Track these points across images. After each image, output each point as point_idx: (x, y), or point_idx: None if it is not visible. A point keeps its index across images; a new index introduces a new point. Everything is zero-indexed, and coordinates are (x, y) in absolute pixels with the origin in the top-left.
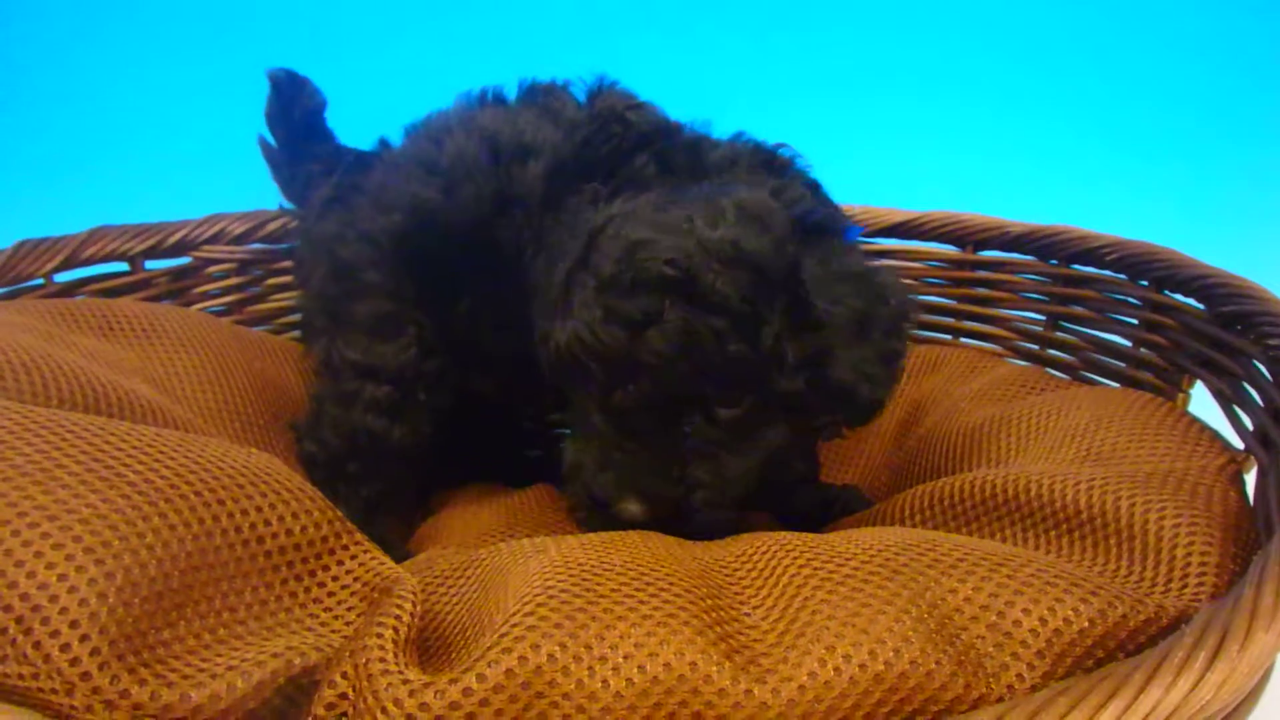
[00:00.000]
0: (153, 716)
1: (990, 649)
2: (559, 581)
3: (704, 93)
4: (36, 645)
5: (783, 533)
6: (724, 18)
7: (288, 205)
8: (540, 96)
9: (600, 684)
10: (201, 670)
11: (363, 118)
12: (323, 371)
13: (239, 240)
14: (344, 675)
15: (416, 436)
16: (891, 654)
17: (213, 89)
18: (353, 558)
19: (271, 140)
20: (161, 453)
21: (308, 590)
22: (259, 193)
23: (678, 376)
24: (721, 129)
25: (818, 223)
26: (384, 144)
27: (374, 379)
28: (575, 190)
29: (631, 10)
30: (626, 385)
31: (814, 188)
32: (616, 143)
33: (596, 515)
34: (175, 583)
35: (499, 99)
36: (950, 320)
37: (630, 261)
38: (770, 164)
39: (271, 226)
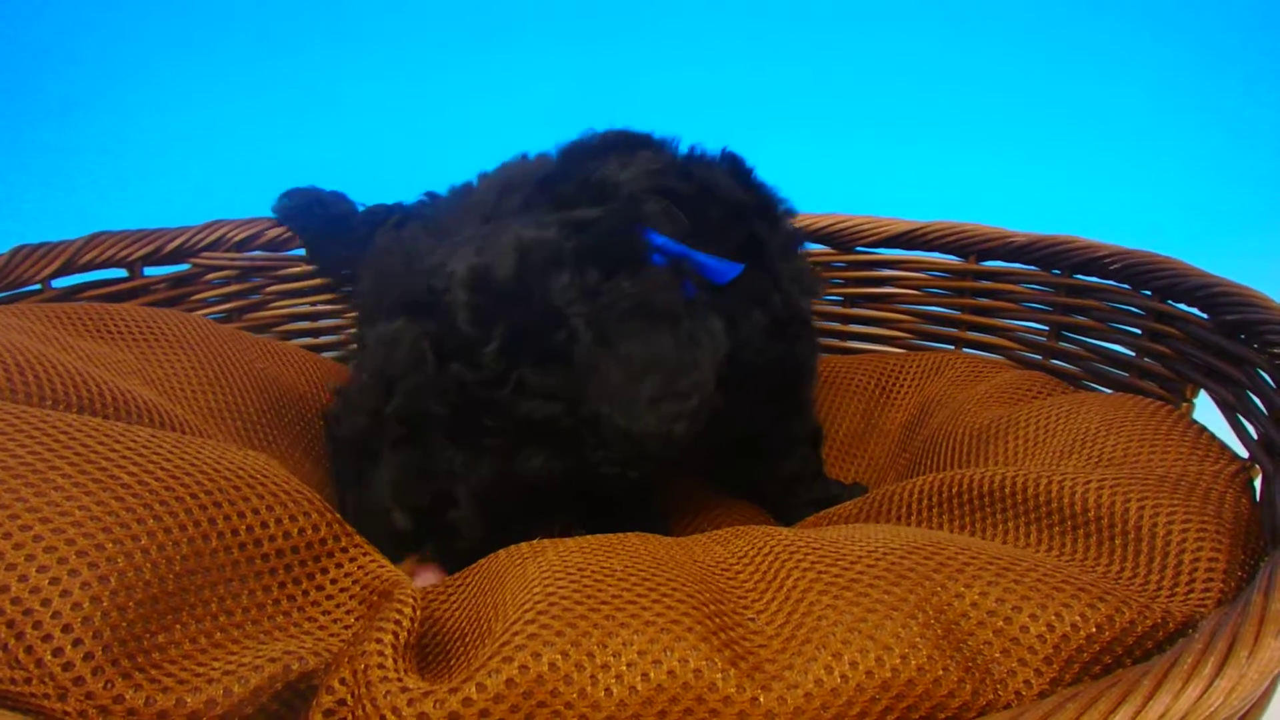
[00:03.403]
0: None
1: (997, 654)
2: (560, 588)
3: (707, 102)
4: (29, 649)
5: (783, 531)
6: (725, 28)
7: None
8: (566, 150)
9: (604, 692)
10: (197, 675)
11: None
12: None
13: (239, 247)
14: (342, 681)
15: None
16: (899, 660)
17: (213, 95)
18: (351, 560)
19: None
20: (157, 454)
21: (305, 594)
22: (259, 199)
23: (417, 394)
24: (717, 139)
25: (614, 257)
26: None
27: None
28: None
29: (636, 22)
30: (390, 402)
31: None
32: (579, 156)
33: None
34: (170, 586)
35: (543, 157)
36: (953, 330)
37: (398, 289)
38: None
39: (271, 234)
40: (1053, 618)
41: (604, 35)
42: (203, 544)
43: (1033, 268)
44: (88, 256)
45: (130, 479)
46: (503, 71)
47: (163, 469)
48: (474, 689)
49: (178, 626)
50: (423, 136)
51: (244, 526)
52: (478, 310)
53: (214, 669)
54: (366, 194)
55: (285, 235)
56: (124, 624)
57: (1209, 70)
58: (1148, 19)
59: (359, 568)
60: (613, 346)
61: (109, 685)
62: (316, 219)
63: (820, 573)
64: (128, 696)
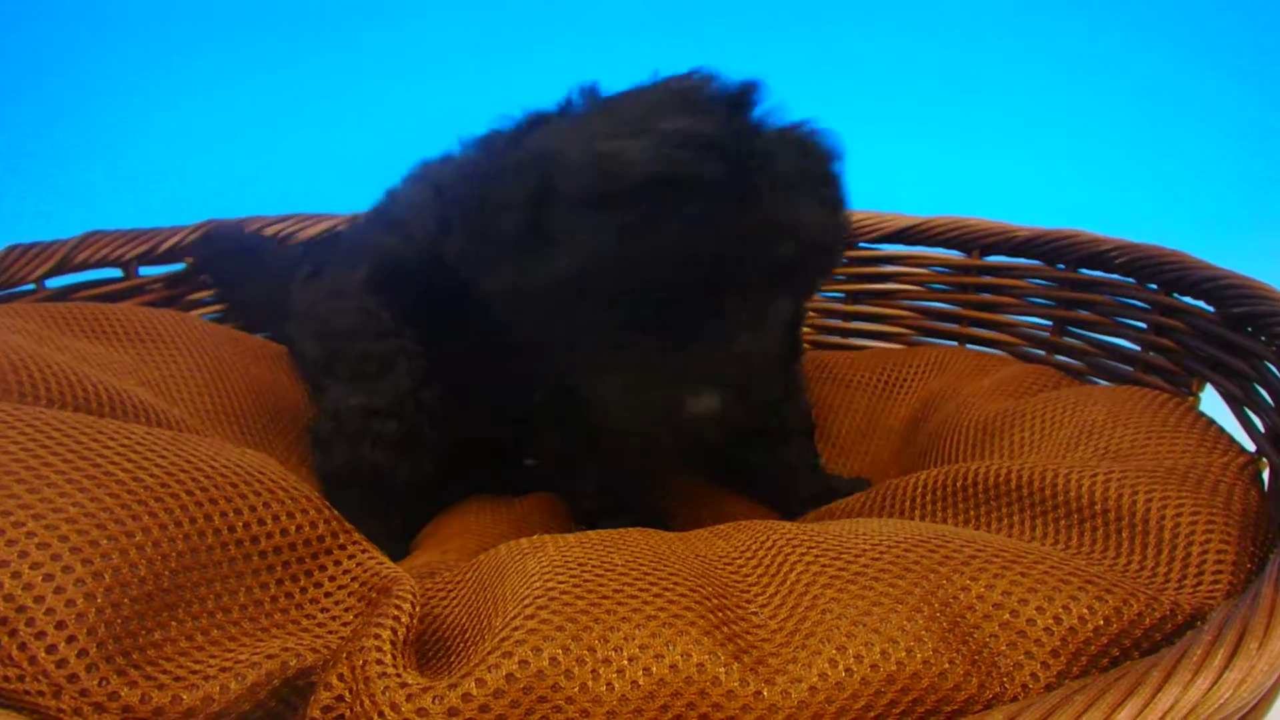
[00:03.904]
0: (143, 719)
1: (1004, 648)
2: (560, 583)
3: None
4: (22, 647)
5: (786, 525)
6: (726, 19)
7: (284, 213)
8: (481, 140)
9: (605, 687)
10: (194, 672)
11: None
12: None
13: None
14: (340, 677)
15: (420, 473)
16: (904, 654)
17: (208, 94)
18: (350, 557)
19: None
20: (152, 451)
21: (304, 590)
22: (254, 199)
23: (687, 272)
24: None
25: (736, 96)
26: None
27: (378, 416)
28: None
29: (635, 20)
30: (641, 300)
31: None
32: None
33: (611, 496)
34: (166, 583)
35: (449, 157)
36: (956, 326)
37: (606, 174)
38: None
39: (267, 233)
40: (1060, 609)
41: (603, 34)
42: (199, 541)
43: (1037, 262)
44: (82, 256)
45: (125, 475)
46: (501, 71)
47: (158, 465)
48: (473, 684)
49: (174, 623)
50: (422, 136)
51: (241, 523)
52: (719, 169)
53: (210, 666)
54: (365, 195)
55: (281, 235)
56: (119, 620)
57: (1217, 63)
58: (1149, 15)
59: (357, 565)
60: (789, 174)
61: (104, 682)
62: (237, 263)
63: (824, 566)
64: (123, 694)
